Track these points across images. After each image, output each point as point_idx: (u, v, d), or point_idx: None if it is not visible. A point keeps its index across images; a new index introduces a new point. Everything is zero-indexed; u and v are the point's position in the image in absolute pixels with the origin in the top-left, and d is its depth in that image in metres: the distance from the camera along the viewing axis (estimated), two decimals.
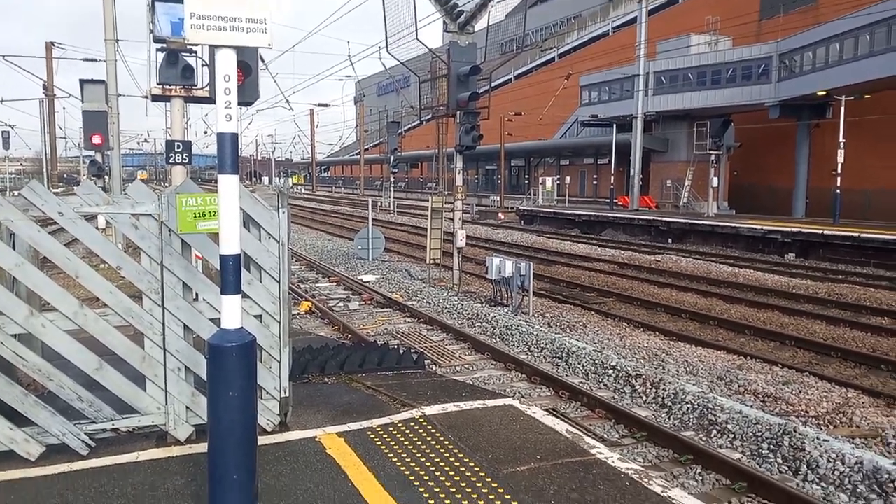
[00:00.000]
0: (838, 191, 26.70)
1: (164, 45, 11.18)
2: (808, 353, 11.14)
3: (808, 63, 32.14)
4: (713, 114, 36.21)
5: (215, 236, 5.18)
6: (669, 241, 28.24)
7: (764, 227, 24.57)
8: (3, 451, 4.61)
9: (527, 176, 64.57)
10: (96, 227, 5.98)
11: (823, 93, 29.74)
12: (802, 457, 6.33)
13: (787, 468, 6.36)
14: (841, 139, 26.18)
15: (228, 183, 3.82)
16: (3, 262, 4.63)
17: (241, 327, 3.83)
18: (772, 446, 6.64)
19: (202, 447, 4.85)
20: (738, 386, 8.91)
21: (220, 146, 3.80)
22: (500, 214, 42.19)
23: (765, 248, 24.26)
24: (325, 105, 52.98)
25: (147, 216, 4.89)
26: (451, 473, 4.65)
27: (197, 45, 4.20)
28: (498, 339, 11.27)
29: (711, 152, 32.10)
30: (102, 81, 18.94)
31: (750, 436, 6.90)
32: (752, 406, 7.94)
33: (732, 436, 7.02)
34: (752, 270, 19.44)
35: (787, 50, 33.54)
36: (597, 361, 9.42)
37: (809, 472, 6.19)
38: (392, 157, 47.40)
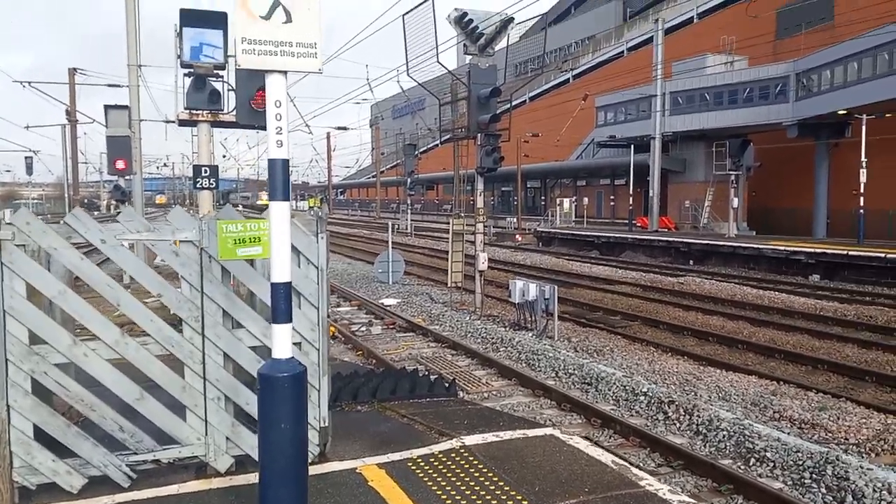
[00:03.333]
0: (861, 211, 26.40)
1: (192, 70, 11.27)
2: (842, 377, 10.93)
3: (827, 82, 31.98)
4: (730, 134, 36.06)
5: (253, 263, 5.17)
6: (691, 262, 28.00)
7: (787, 248, 24.30)
8: (46, 484, 4.57)
9: (543, 197, 64.52)
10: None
11: (844, 112, 29.51)
12: (847, 486, 6.17)
13: (831, 498, 6.20)
14: (863, 158, 25.92)
15: (280, 210, 3.76)
16: (46, 290, 4.62)
17: (292, 357, 3.78)
18: (814, 475, 6.48)
19: (242, 479, 4.80)
20: (774, 412, 8.73)
21: (271, 172, 3.77)
22: (517, 236, 42.05)
23: (788, 269, 23.97)
24: (344, 129, 53.18)
25: (188, 243, 4.88)
26: None
27: (249, 69, 4.20)
28: (524, 365, 11.14)
29: (731, 173, 31.88)
30: (126, 107, 19.13)
31: (791, 464, 6.74)
32: (789, 433, 7.77)
33: (772, 464, 6.86)
34: (777, 292, 19.18)
35: (804, 69, 33.41)
36: (627, 387, 9.28)
37: (855, 502, 6.03)
38: (409, 180, 47.52)
